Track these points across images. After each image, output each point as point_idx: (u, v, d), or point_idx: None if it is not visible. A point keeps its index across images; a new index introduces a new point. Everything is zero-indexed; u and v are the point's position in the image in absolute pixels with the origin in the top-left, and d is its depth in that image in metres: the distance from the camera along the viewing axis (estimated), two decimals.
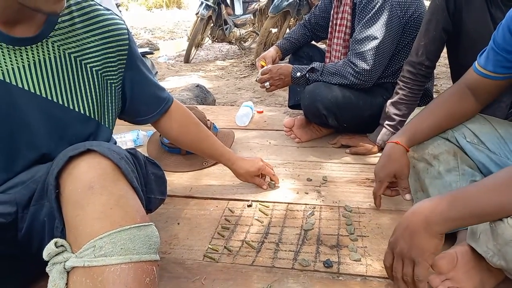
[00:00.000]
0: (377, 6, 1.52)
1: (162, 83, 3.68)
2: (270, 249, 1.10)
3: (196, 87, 2.84)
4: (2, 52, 0.78)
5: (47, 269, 0.67)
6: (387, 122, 1.57)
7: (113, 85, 0.96)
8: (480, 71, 0.97)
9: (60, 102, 0.87)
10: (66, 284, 0.65)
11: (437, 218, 0.74)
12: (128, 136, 1.84)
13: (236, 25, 4.99)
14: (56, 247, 0.66)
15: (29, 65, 0.82)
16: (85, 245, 0.65)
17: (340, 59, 1.72)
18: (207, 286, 0.97)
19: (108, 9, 0.96)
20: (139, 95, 1.05)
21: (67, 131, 0.89)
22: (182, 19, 8.57)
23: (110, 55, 0.93)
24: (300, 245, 1.11)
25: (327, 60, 1.85)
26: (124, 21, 0.99)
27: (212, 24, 4.80)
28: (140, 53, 2.20)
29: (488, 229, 0.77)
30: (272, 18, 4.14)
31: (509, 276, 0.81)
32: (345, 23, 1.68)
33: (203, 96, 2.78)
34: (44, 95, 0.84)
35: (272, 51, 1.97)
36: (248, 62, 4.56)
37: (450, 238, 1.03)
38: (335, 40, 1.76)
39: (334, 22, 1.77)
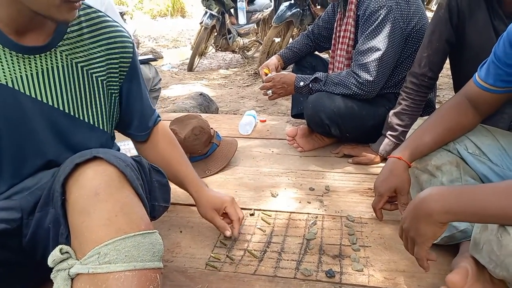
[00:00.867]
0: (380, 18, 1.53)
1: (165, 91, 3.70)
2: (272, 258, 1.10)
3: (199, 96, 2.86)
4: (12, 59, 0.80)
5: (51, 276, 0.67)
6: (389, 132, 1.57)
7: (113, 94, 0.98)
8: (481, 84, 0.97)
9: (67, 111, 0.88)
10: None
11: (439, 209, 0.76)
12: (132, 144, 1.84)
13: (239, 35, 5.03)
14: (61, 254, 0.66)
15: (37, 73, 0.83)
16: (89, 252, 0.65)
17: (343, 70, 1.73)
18: None
19: (115, 21, 0.97)
20: (132, 108, 1.05)
21: (72, 139, 0.89)
22: (186, 28, 8.63)
23: (113, 65, 0.95)
24: (302, 255, 1.11)
25: (330, 71, 1.86)
26: (130, 34, 1.00)
27: (215, 33, 4.84)
28: (144, 59, 2.21)
29: (492, 240, 0.77)
30: (276, 28, 4.17)
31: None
32: (348, 34, 1.70)
33: (206, 104, 2.80)
34: (51, 103, 0.85)
35: (274, 59, 1.99)
36: (251, 71, 4.59)
37: (453, 249, 1.03)
38: (338, 52, 1.77)
39: (338, 33, 1.78)
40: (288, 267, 1.06)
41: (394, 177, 1.06)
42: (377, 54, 1.55)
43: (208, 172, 1.61)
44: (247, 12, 4.95)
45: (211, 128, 1.68)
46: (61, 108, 0.87)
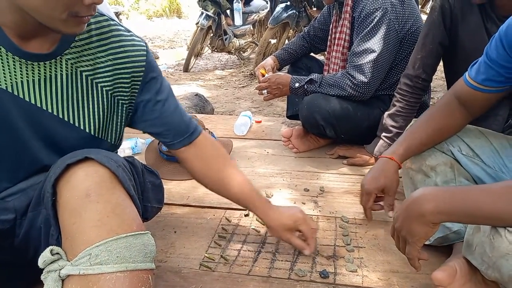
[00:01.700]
0: (376, 20, 1.54)
1: None
2: (266, 258, 1.10)
3: (195, 96, 2.86)
4: (14, 65, 0.77)
5: (42, 277, 0.66)
6: (384, 134, 1.57)
7: (124, 105, 0.94)
8: (471, 83, 0.97)
9: (66, 119, 0.85)
10: None
11: (432, 209, 0.76)
12: (126, 144, 1.84)
13: (235, 36, 5.03)
14: (52, 255, 0.65)
15: (39, 80, 0.80)
16: (80, 253, 0.64)
17: (338, 71, 1.73)
18: None
19: (129, 30, 0.93)
20: (158, 118, 0.98)
21: (70, 148, 0.86)
22: (182, 29, 8.62)
23: (123, 75, 0.90)
24: (297, 255, 1.11)
25: (326, 72, 1.87)
26: (145, 43, 0.95)
27: (211, 34, 4.83)
28: None
29: (484, 241, 0.78)
30: (272, 29, 4.17)
31: None
32: (343, 36, 1.71)
33: (201, 105, 2.79)
34: (50, 111, 0.83)
35: (270, 60, 1.99)
36: (247, 72, 4.59)
37: (447, 250, 1.03)
38: (334, 53, 1.78)
39: (333, 35, 1.79)
40: (282, 268, 1.06)
41: (384, 176, 1.07)
42: (372, 56, 1.55)
43: None
44: (243, 13, 4.95)
45: (206, 129, 1.68)
46: (60, 115, 0.85)
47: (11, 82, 0.78)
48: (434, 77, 1.45)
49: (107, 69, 0.89)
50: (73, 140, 0.87)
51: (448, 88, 1.45)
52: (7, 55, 0.77)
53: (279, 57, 2.02)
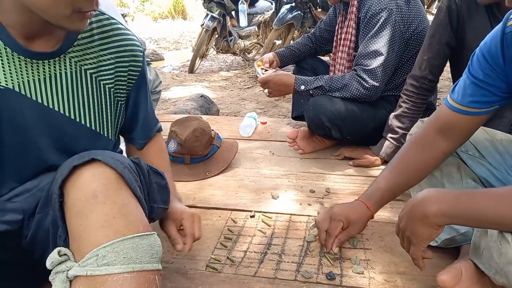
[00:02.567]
0: (381, 20, 1.53)
1: (166, 93, 3.70)
2: (272, 260, 1.10)
3: (200, 97, 2.87)
4: (20, 64, 0.79)
5: (50, 278, 0.67)
6: (390, 135, 1.57)
7: (120, 102, 0.97)
8: (456, 107, 0.91)
9: (72, 117, 0.87)
10: None
11: (436, 211, 0.76)
12: None
13: (240, 37, 5.03)
14: (59, 256, 0.66)
15: (44, 78, 0.82)
16: (88, 254, 0.65)
17: (344, 72, 1.73)
18: None
19: (128, 29, 0.96)
20: (137, 116, 1.04)
21: (76, 145, 0.89)
22: (187, 30, 8.65)
23: (122, 73, 0.94)
24: (303, 257, 1.11)
25: (331, 73, 1.87)
26: (141, 42, 0.99)
27: (217, 35, 4.85)
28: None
29: (491, 246, 0.77)
30: (277, 30, 4.18)
31: None
32: (349, 37, 1.70)
33: (207, 106, 2.80)
34: (56, 109, 0.85)
35: (269, 55, 1.98)
36: (252, 73, 4.59)
37: (454, 252, 1.02)
38: (340, 54, 1.77)
39: (339, 36, 1.78)
40: (289, 269, 1.06)
41: (355, 220, 1.06)
42: (381, 59, 1.54)
43: (208, 173, 1.61)
44: (248, 14, 4.96)
45: (212, 130, 1.68)
46: (66, 113, 0.86)
47: (18, 81, 0.79)
48: (440, 77, 1.45)
49: (109, 67, 0.91)
50: (79, 138, 0.89)
51: None
52: (12, 55, 0.78)
53: (280, 54, 2.00)
